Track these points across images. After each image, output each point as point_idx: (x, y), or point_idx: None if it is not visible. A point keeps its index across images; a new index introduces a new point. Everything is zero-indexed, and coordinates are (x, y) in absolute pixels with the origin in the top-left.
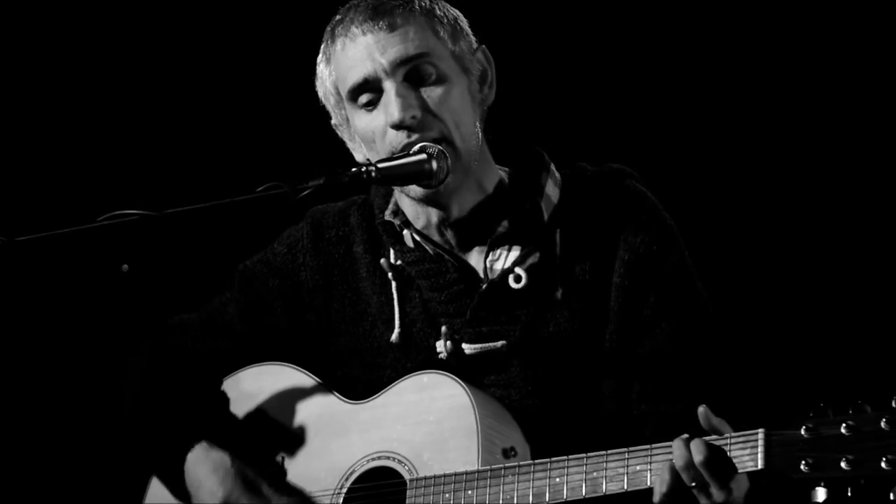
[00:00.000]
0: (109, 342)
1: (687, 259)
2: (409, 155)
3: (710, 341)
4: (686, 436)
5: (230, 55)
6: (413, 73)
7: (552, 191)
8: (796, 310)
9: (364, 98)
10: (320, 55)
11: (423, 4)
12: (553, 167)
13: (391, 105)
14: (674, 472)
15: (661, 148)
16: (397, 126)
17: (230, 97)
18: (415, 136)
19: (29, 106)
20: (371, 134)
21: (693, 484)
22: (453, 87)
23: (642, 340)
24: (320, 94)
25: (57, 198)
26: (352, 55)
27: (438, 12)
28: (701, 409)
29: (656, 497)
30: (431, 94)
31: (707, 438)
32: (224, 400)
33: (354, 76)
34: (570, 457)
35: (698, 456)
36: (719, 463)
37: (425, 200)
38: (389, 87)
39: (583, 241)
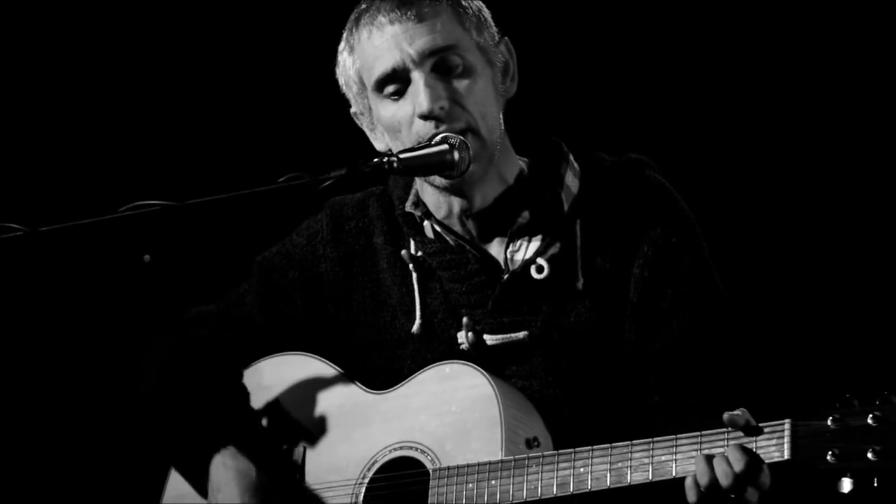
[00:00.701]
0: (131, 332)
1: (705, 251)
2: (430, 145)
3: (726, 335)
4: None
5: (252, 46)
6: (441, 63)
7: (571, 181)
8: (816, 301)
9: (390, 88)
10: (343, 43)
11: None
12: (571, 157)
13: (420, 95)
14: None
15: (678, 137)
16: (426, 116)
17: (251, 88)
18: (442, 127)
19: (52, 98)
20: (397, 123)
21: (732, 496)
22: (479, 78)
23: (659, 332)
24: (341, 82)
25: (79, 188)
26: (379, 44)
27: (464, 3)
28: (726, 417)
29: (693, 496)
30: (459, 85)
31: (741, 441)
32: (245, 392)
33: (382, 66)
34: (595, 447)
35: (738, 465)
36: (755, 467)
37: (449, 189)
38: (418, 77)
39: (603, 231)
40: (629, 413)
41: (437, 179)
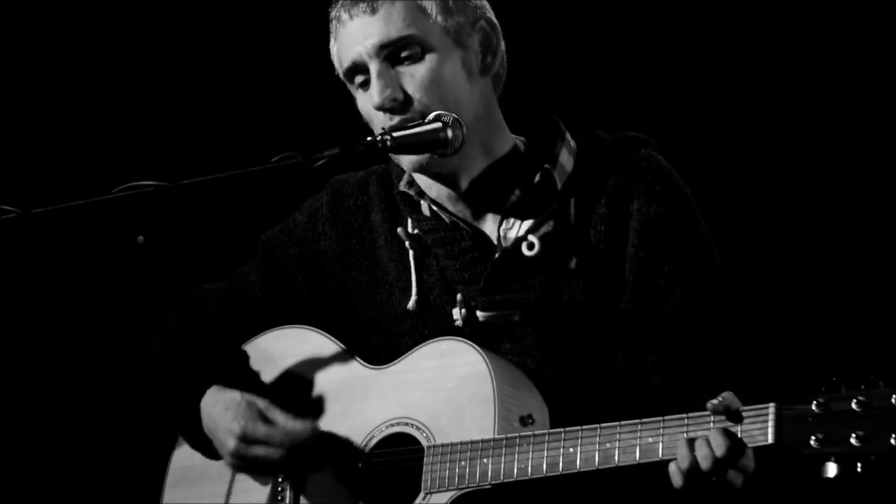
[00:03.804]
0: (125, 314)
1: (703, 228)
2: (423, 123)
3: (723, 312)
4: (692, 436)
5: (245, 25)
6: (394, 54)
7: (566, 160)
8: (811, 284)
9: (359, 79)
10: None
11: None
12: (569, 136)
13: (372, 88)
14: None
15: (680, 116)
16: (378, 108)
17: (245, 67)
18: (397, 119)
19: (43, 78)
20: (367, 113)
21: (714, 479)
22: (444, 62)
23: (656, 310)
24: (336, 65)
25: (72, 170)
26: (343, 39)
27: None
28: (709, 405)
29: (678, 479)
30: (415, 73)
31: (724, 425)
32: (246, 358)
33: (347, 60)
34: (584, 427)
35: (720, 449)
36: (737, 451)
37: (429, 175)
38: (374, 69)
39: (597, 210)
40: (624, 391)
41: (403, 163)
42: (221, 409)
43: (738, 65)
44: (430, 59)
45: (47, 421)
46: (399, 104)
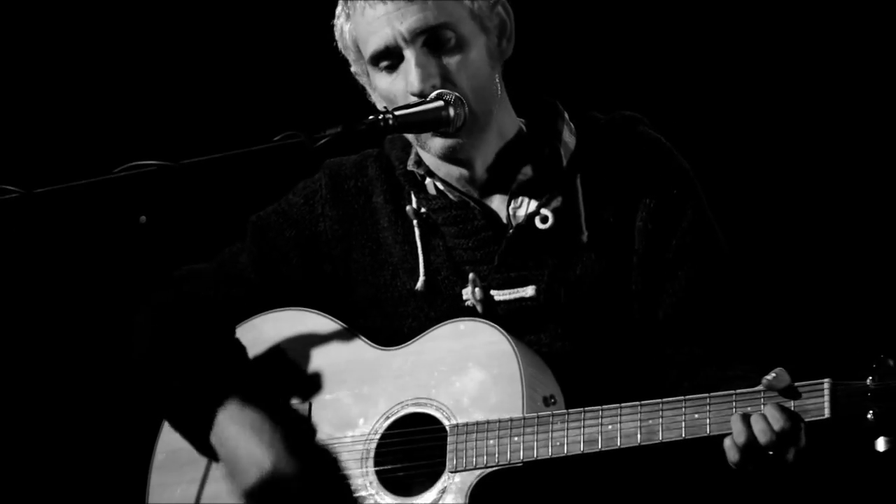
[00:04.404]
0: (127, 294)
1: (704, 203)
2: (426, 102)
3: (732, 284)
4: (751, 413)
5: (245, 7)
6: (432, 40)
7: (569, 138)
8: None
9: (385, 62)
10: (339, 8)
11: None
12: (567, 116)
13: (411, 74)
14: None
15: (670, 97)
16: (417, 95)
17: (246, 46)
18: None
19: (44, 59)
20: (393, 96)
21: (771, 453)
22: (473, 49)
23: (664, 284)
24: (339, 45)
25: (74, 150)
26: (372, 20)
27: None
28: (764, 382)
29: (734, 455)
30: (450, 60)
31: (778, 400)
32: (241, 346)
33: (375, 43)
34: (623, 405)
35: (777, 423)
36: (794, 425)
37: (447, 159)
38: (410, 55)
39: (603, 186)
40: (638, 366)
41: (433, 148)
42: (240, 429)
43: (734, 48)
44: (464, 46)
45: (42, 404)
46: (437, 91)
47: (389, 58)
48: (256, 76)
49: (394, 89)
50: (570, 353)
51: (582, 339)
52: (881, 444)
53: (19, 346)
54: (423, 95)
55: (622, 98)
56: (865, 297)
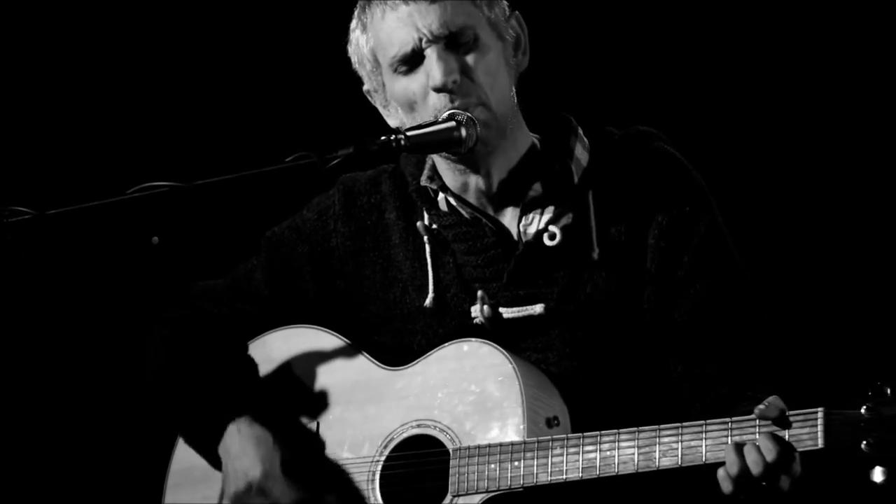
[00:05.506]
0: (139, 315)
1: (719, 219)
2: (437, 123)
3: (745, 302)
4: (745, 442)
5: (260, 25)
6: (453, 40)
7: (581, 154)
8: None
9: (402, 68)
10: (354, 21)
11: None
12: (581, 131)
13: (433, 69)
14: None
15: (689, 111)
16: (439, 89)
17: (259, 68)
18: (457, 101)
19: (57, 80)
20: (412, 95)
21: (764, 484)
22: (490, 52)
23: (677, 301)
24: (354, 60)
25: (87, 171)
26: (393, 24)
27: None
28: (756, 412)
29: (727, 485)
30: (470, 59)
31: (772, 430)
32: (253, 363)
33: (398, 45)
34: (621, 430)
35: (770, 454)
36: (787, 456)
37: (467, 165)
38: (431, 52)
39: (615, 202)
40: (647, 385)
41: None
42: (248, 444)
43: (745, 62)
44: (483, 47)
45: (57, 421)
46: (458, 87)
47: (411, 59)
48: (269, 96)
49: (412, 88)
50: (578, 371)
51: (590, 358)
52: (877, 475)
53: (35, 365)
54: (444, 89)
55: (640, 112)
56: (862, 321)
